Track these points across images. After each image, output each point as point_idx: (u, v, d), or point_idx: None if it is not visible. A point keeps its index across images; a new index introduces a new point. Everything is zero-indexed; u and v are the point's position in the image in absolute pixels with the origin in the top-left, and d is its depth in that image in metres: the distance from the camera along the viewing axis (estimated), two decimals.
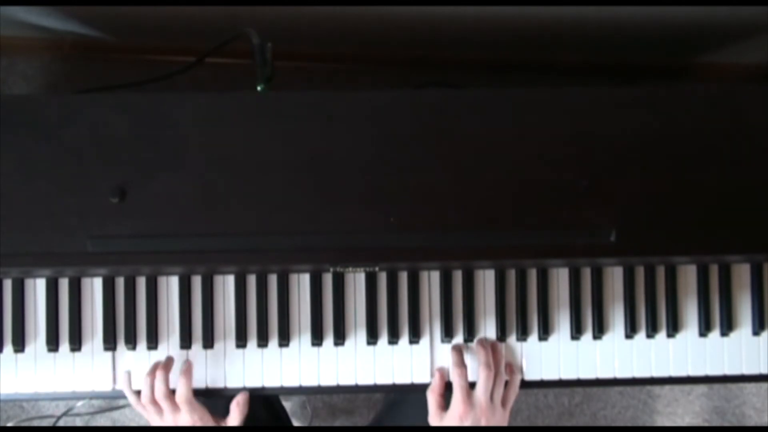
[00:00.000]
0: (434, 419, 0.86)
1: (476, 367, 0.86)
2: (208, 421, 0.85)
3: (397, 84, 1.38)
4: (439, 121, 0.81)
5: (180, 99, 0.81)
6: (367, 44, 1.31)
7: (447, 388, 0.88)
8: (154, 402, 0.85)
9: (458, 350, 0.88)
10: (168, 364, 0.86)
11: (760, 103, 0.83)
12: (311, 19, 1.13)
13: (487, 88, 0.84)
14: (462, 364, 0.87)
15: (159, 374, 0.84)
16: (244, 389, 0.89)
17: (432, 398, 0.87)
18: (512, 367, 0.89)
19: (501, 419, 0.85)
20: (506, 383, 0.88)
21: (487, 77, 1.38)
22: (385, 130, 0.81)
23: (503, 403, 0.87)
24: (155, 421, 0.86)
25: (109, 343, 0.88)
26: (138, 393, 0.86)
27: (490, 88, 0.84)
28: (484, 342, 0.89)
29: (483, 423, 0.83)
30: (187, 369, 0.86)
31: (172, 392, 0.85)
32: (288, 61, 1.28)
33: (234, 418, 0.86)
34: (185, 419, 0.84)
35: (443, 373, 0.88)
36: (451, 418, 0.84)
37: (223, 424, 0.87)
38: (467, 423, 0.83)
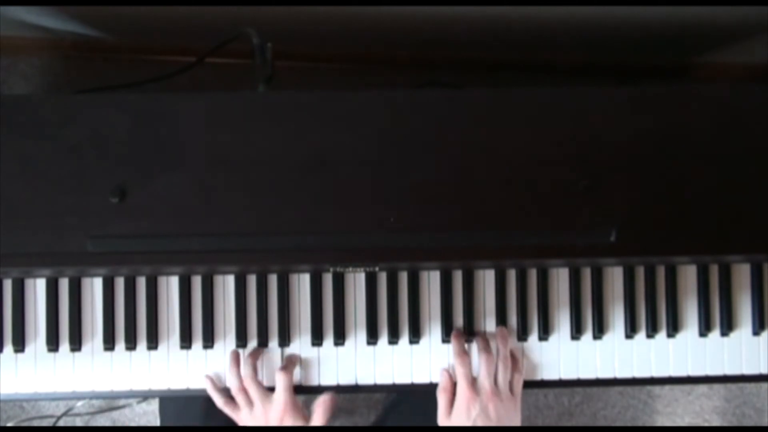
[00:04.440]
0: (443, 418, 0.85)
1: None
2: (297, 412, 0.83)
3: (397, 84, 1.38)
4: (439, 121, 0.81)
5: (180, 99, 0.81)
6: (368, 44, 1.30)
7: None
8: (242, 391, 0.85)
9: (459, 338, 0.88)
10: (256, 351, 0.87)
11: (760, 103, 0.83)
12: (311, 19, 1.13)
13: (487, 88, 0.84)
14: (463, 353, 0.86)
15: (247, 360, 0.86)
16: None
17: (443, 397, 0.86)
18: (516, 352, 0.89)
19: (510, 404, 0.84)
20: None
21: (487, 77, 1.38)
22: (385, 130, 0.81)
23: (511, 389, 0.86)
24: (244, 416, 0.85)
25: (109, 343, 0.88)
26: (224, 391, 0.87)
27: (490, 88, 0.84)
28: (482, 332, 0.89)
29: (491, 409, 0.82)
30: (290, 361, 0.87)
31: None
32: (288, 61, 1.28)
33: (317, 418, 0.84)
34: (277, 403, 0.83)
35: (451, 373, 0.88)
36: (459, 408, 0.83)
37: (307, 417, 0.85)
38: (474, 411, 0.82)
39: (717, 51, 1.29)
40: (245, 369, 0.85)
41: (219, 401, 0.87)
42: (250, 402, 0.85)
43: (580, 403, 1.52)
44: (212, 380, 0.87)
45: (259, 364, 0.88)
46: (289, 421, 0.83)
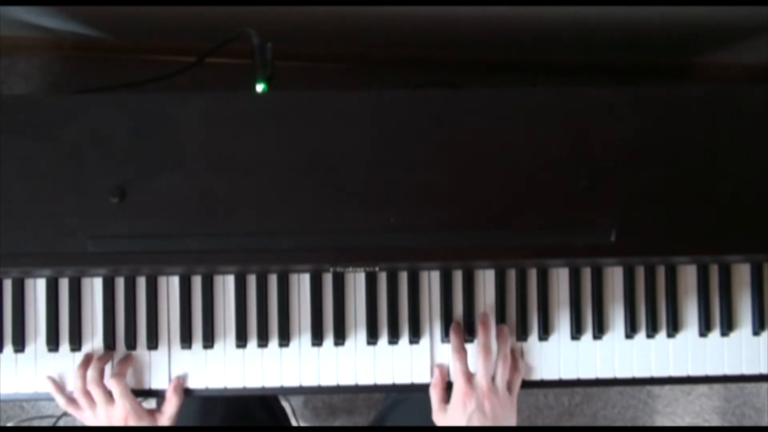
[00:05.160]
0: (438, 413, 0.86)
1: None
2: (142, 413, 0.84)
3: (397, 84, 1.38)
4: (439, 121, 0.81)
5: (180, 99, 0.81)
6: (367, 44, 1.31)
7: (448, 386, 0.87)
8: (85, 393, 0.84)
9: (458, 333, 0.88)
10: (105, 356, 0.87)
11: (760, 103, 0.83)
12: (311, 19, 1.13)
13: (487, 88, 0.84)
14: (461, 349, 0.86)
15: (94, 363, 0.85)
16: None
17: (434, 393, 0.87)
18: (515, 352, 0.89)
19: (507, 403, 0.84)
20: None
21: (487, 77, 1.38)
22: (385, 130, 0.81)
23: (509, 388, 0.86)
24: (87, 417, 0.85)
25: (109, 343, 0.88)
26: (67, 392, 0.86)
27: (490, 88, 0.84)
28: (485, 320, 0.88)
29: (486, 406, 0.82)
30: (126, 359, 0.87)
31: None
32: (288, 61, 1.28)
33: (171, 405, 0.85)
34: (119, 408, 0.83)
35: (443, 369, 0.88)
36: (455, 404, 0.84)
37: (158, 415, 0.86)
38: (470, 406, 0.82)
39: (717, 51, 1.29)
40: (92, 372, 0.84)
41: (61, 401, 0.86)
42: (92, 404, 0.84)
43: (580, 403, 1.53)
44: (54, 381, 0.87)
45: (107, 368, 0.87)
46: (133, 423, 0.83)
